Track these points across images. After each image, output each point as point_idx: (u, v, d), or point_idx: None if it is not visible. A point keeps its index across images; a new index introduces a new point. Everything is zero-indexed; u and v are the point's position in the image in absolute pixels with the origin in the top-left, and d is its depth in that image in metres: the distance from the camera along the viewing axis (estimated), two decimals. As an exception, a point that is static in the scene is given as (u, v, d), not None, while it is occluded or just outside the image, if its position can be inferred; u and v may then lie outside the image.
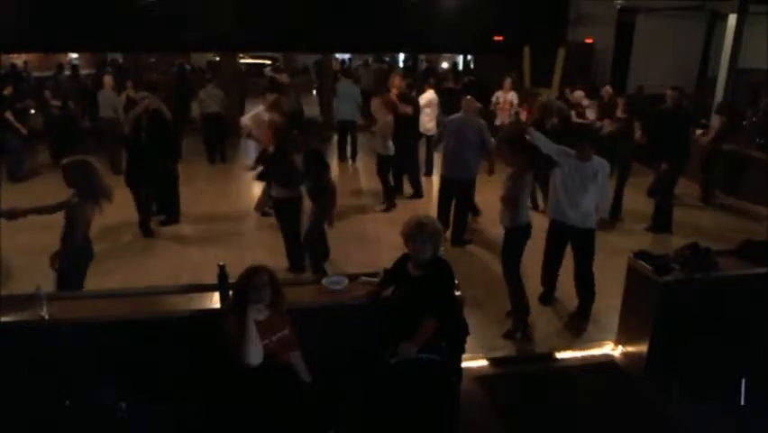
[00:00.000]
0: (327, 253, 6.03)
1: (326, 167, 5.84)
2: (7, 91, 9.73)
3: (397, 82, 8.94)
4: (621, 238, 7.01)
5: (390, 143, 8.05)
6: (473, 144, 6.74)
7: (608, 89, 10.34)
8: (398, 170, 8.75)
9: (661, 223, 7.40)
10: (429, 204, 8.17)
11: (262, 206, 7.64)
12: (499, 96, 10.60)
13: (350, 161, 11.09)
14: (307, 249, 5.85)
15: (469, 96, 7.19)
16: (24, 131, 9.66)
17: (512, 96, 10.43)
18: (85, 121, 11.55)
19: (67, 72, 14.51)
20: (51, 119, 10.47)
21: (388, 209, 8.19)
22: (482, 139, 6.75)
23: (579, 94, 10.28)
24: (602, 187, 5.07)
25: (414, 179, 8.88)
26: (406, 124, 8.44)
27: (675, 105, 7.32)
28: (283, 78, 11.74)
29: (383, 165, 8.26)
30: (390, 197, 8.33)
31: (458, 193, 6.92)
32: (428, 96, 9.52)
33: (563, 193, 5.06)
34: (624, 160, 7.60)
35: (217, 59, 15.80)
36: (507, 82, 10.46)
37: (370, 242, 6.97)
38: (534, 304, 5.32)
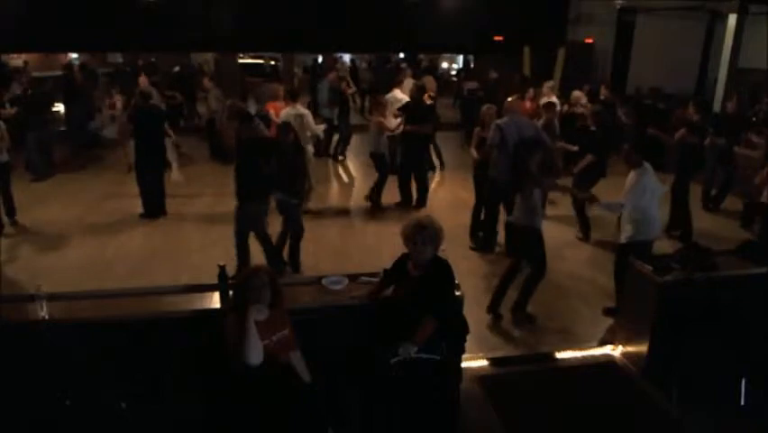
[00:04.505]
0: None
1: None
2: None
3: (431, 85, 8.97)
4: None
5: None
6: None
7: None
8: (406, 177, 8.25)
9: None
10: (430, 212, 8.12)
11: None
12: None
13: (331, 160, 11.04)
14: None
15: (511, 98, 6.71)
16: None
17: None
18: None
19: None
20: None
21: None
22: (541, 140, 6.23)
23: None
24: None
25: (422, 186, 8.32)
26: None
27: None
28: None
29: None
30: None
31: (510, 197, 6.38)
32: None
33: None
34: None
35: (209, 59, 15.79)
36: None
37: (369, 242, 6.97)
38: (537, 304, 5.34)
